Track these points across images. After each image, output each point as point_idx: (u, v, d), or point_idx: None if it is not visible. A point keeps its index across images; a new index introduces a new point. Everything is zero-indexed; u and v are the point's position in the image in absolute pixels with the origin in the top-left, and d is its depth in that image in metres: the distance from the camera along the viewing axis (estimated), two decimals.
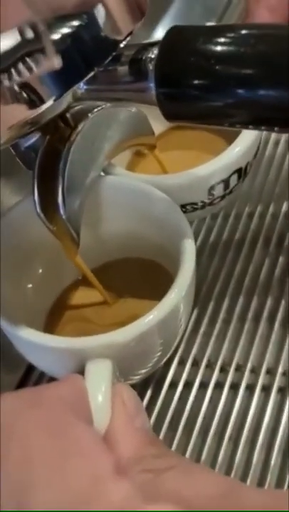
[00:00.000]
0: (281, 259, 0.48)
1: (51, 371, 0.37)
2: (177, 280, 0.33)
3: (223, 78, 0.28)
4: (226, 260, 0.49)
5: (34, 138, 0.35)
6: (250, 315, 0.46)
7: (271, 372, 0.43)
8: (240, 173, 0.40)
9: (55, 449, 0.22)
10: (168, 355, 0.38)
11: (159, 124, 0.42)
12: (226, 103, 0.28)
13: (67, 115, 0.35)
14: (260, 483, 0.38)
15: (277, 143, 0.56)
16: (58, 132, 0.35)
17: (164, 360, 0.38)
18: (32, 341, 0.32)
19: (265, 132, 0.56)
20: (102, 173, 0.39)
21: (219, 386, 0.43)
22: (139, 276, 0.41)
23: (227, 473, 0.39)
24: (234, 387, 0.43)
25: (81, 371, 0.30)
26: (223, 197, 0.41)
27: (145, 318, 0.31)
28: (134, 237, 0.40)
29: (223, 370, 0.43)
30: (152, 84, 0.29)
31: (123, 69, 0.30)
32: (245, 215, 0.51)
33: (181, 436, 0.41)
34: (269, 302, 0.46)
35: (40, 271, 0.40)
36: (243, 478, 0.39)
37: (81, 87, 0.31)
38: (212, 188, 0.39)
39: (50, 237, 0.34)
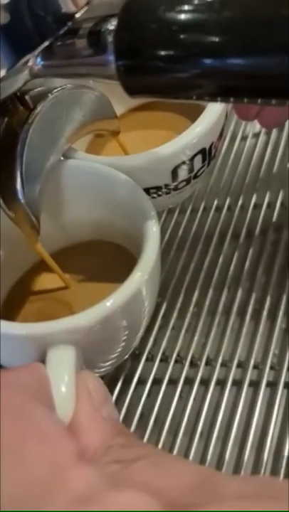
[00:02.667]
0: (251, 251, 0.47)
1: (9, 362, 0.33)
2: (140, 262, 0.31)
3: (187, 47, 0.26)
4: (194, 254, 0.48)
5: None
6: (220, 308, 0.44)
7: (243, 366, 0.41)
8: (205, 154, 0.38)
9: (14, 434, 0.21)
10: (133, 345, 0.37)
11: (119, 106, 0.41)
12: (191, 73, 0.27)
13: (26, 97, 0.33)
14: None
15: (245, 137, 0.56)
16: (16, 114, 0.33)
17: (130, 351, 0.37)
18: None
19: (232, 126, 0.55)
20: (62, 157, 0.37)
21: (189, 382, 0.41)
22: (102, 259, 0.39)
23: None
24: (204, 383, 0.41)
25: (43, 360, 0.28)
26: (188, 181, 0.39)
27: (108, 300, 0.30)
28: (97, 221, 0.38)
29: (193, 365, 0.42)
30: (112, 57, 0.28)
31: (81, 42, 0.29)
32: (213, 209, 0.50)
33: (150, 434, 0.39)
34: (239, 295, 0.45)
35: None
36: None
37: (38, 62, 0.30)
38: (176, 169, 0.37)
39: (7, 221, 0.32)
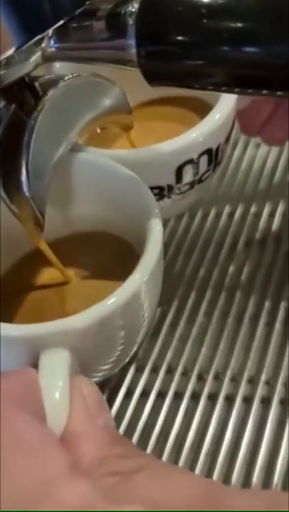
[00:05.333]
0: (264, 259, 0.45)
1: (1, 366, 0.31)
2: (141, 263, 0.29)
3: (215, 32, 0.24)
4: (203, 261, 0.46)
5: None
6: (230, 319, 0.42)
7: (253, 381, 0.39)
8: (211, 156, 0.36)
9: None
10: (132, 351, 0.34)
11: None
12: (217, 61, 0.24)
13: (36, 84, 0.31)
14: None
15: (258, 145, 0.54)
16: (24, 101, 0.31)
17: (128, 357, 0.34)
18: None
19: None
20: None
21: (195, 396, 0.39)
22: (104, 253, 0.37)
23: None
24: (212, 398, 0.39)
25: (36, 364, 0.26)
26: (192, 185, 0.36)
27: (106, 301, 0.27)
28: (100, 214, 0.36)
29: (200, 378, 0.40)
30: (132, 42, 0.26)
31: (99, 24, 0.27)
32: (224, 215, 0.49)
33: (153, 451, 0.37)
34: (250, 305, 0.42)
35: None
36: None
37: (51, 44, 0.28)
38: (180, 169, 0.35)
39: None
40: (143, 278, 0.28)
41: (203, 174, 0.37)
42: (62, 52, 0.28)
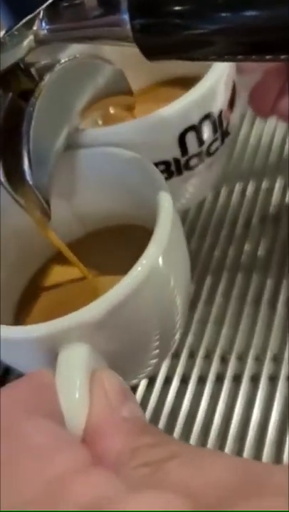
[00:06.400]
0: (281, 236, 0.44)
1: (25, 368, 0.30)
2: (153, 239, 0.27)
3: (208, 0, 0.23)
4: (218, 240, 0.45)
5: None
6: (249, 298, 0.41)
7: (277, 359, 0.38)
8: (214, 122, 0.34)
9: (3, 457, 0.18)
10: (172, 341, 0.32)
11: (140, 79, 0.39)
12: (215, 29, 0.23)
13: (32, 70, 0.30)
14: None
15: (253, 120, 0.52)
16: (21, 89, 0.30)
17: (169, 352, 0.33)
18: None
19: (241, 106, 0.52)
20: None
21: (219, 379, 0.38)
22: (120, 244, 0.35)
23: None
24: (236, 379, 0.38)
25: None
26: (200, 156, 0.35)
27: (118, 286, 0.25)
28: (109, 204, 0.35)
29: (223, 360, 0.39)
30: (126, 16, 0.25)
31: (90, 1, 0.26)
32: (235, 192, 0.48)
33: (180, 436, 0.36)
34: (269, 283, 0.42)
35: (9, 257, 0.35)
36: None
37: (43, 26, 0.27)
38: (183, 137, 0.33)
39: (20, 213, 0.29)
40: (158, 254, 0.26)
41: (211, 145, 0.35)
42: (55, 34, 0.27)
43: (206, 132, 0.34)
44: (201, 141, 0.34)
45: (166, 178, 0.34)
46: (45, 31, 0.27)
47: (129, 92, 0.35)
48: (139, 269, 0.26)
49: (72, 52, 0.31)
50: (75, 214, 0.36)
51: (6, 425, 0.19)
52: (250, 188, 0.48)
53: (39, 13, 0.27)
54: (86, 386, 0.23)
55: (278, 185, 0.47)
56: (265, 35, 0.23)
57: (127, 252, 0.32)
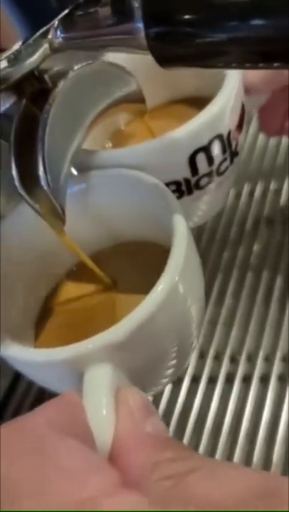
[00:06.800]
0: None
1: (51, 387, 0.31)
2: (169, 264, 0.28)
3: (222, 9, 0.23)
4: (227, 242, 0.45)
5: (9, 103, 0.31)
6: (258, 299, 0.42)
7: (287, 360, 0.39)
8: (223, 142, 0.35)
9: (35, 476, 0.19)
10: (189, 355, 0.33)
11: (160, 95, 0.40)
12: (228, 38, 0.24)
13: (45, 77, 0.31)
14: None
15: None
16: (35, 95, 0.30)
17: (187, 362, 0.34)
18: (17, 358, 0.28)
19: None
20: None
21: (229, 379, 0.39)
22: (134, 261, 0.36)
23: None
24: (246, 379, 0.39)
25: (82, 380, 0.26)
26: (210, 176, 0.36)
27: (138, 309, 0.26)
28: (123, 222, 0.36)
29: (233, 360, 0.39)
30: (140, 25, 0.25)
31: (104, 10, 0.26)
32: (244, 194, 0.48)
33: (191, 436, 0.36)
34: (278, 284, 0.42)
35: (27, 275, 0.36)
36: None
37: (58, 35, 0.27)
38: (193, 158, 0.34)
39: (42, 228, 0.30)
40: (174, 278, 0.27)
41: (220, 164, 0.36)
42: (69, 42, 0.27)
43: (216, 153, 0.35)
44: (210, 162, 0.35)
45: (177, 198, 0.35)
46: (60, 39, 0.27)
47: (141, 99, 0.35)
48: (159, 290, 0.27)
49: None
50: (88, 231, 0.36)
51: (39, 445, 0.20)
52: (259, 190, 0.48)
53: (54, 22, 0.27)
54: (112, 404, 0.24)
55: (286, 186, 0.48)
56: (276, 43, 0.24)
57: (142, 268, 0.34)
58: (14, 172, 0.30)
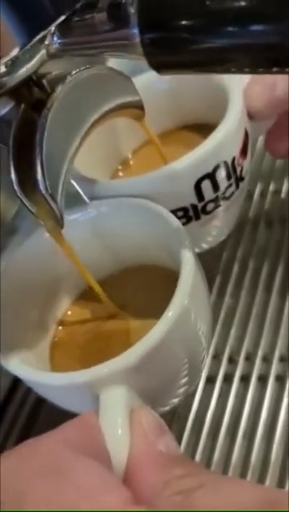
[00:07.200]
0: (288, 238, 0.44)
1: (68, 407, 0.33)
2: (178, 289, 0.29)
3: (218, 14, 0.24)
4: (226, 243, 0.45)
5: (7, 108, 0.31)
6: (257, 300, 0.42)
7: (286, 359, 0.39)
8: (228, 169, 0.36)
9: (53, 494, 0.20)
10: (200, 369, 0.35)
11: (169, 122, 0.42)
12: (224, 43, 0.24)
13: (44, 82, 0.31)
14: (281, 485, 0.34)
15: None
16: (33, 100, 0.31)
17: (197, 379, 0.36)
18: (35, 381, 0.30)
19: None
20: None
21: (228, 379, 0.39)
22: (142, 284, 0.37)
23: (242, 475, 0.35)
24: (245, 379, 0.39)
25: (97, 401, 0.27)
26: (216, 202, 0.36)
27: (150, 334, 0.28)
28: (132, 248, 0.37)
29: (232, 361, 0.40)
30: (136, 31, 0.25)
31: (101, 16, 0.26)
32: None
33: (190, 436, 0.37)
34: (277, 284, 0.42)
35: (39, 300, 0.37)
36: (260, 479, 0.35)
37: (54, 40, 0.27)
38: (199, 185, 0.35)
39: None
40: (183, 303, 0.29)
41: (226, 190, 0.37)
42: (66, 47, 0.28)
43: (221, 179, 0.36)
44: (216, 188, 0.36)
45: (186, 223, 0.36)
46: (57, 45, 0.28)
47: (139, 106, 0.36)
48: (169, 316, 0.28)
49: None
50: (98, 256, 0.37)
51: (57, 464, 0.22)
52: (258, 191, 0.48)
53: (51, 28, 0.27)
54: (127, 424, 0.26)
55: (285, 187, 0.48)
56: (271, 49, 0.24)
57: (151, 291, 0.36)
58: (13, 176, 0.30)
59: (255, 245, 0.45)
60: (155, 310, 0.29)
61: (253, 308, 0.42)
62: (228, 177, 0.36)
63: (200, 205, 0.36)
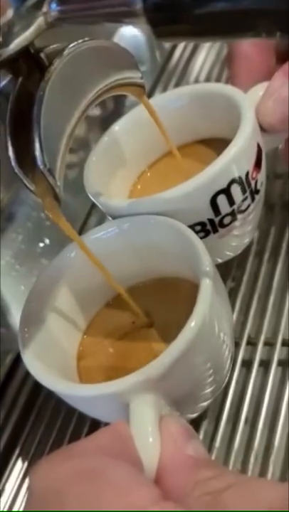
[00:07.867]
0: None
1: (99, 416, 0.35)
2: (198, 300, 0.30)
3: None
4: None
5: (4, 81, 0.30)
6: (259, 283, 0.41)
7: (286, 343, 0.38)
8: (242, 183, 0.36)
9: (91, 495, 0.22)
10: (224, 376, 0.35)
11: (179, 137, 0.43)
12: (229, 9, 0.23)
13: (42, 55, 0.30)
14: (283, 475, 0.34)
15: None
16: (31, 74, 0.30)
17: (223, 384, 0.35)
18: (66, 394, 0.32)
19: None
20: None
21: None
22: (165, 295, 0.38)
23: (244, 461, 0.35)
24: (246, 364, 0.38)
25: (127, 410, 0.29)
26: (233, 215, 0.37)
27: (175, 344, 0.29)
28: (153, 262, 0.38)
29: (235, 345, 0.39)
30: None
31: None
32: None
33: (191, 421, 0.36)
34: (279, 268, 0.42)
35: (66, 311, 0.38)
36: (263, 465, 0.34)
37: (53, 7, 0.26)
38: (214, 200, 0.35)
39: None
40: (204, 312, 0.30)
41: (242, 203, 0.37)
42: (65, 14, 0.27)
43: (235, 193, 0.36)
44: (231, 202, 0.36)
45: (204, 236, 0.37)
46: (56, 12, 0.27)
47: (139, 83, 0.35)
48: (192, 327, 0.29)
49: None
50: (121, 269, 0.38)
51: (92, 468, 0.23)
52: None
53: None
54: (157, 431, 0.27)
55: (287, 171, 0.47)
56: (274, 14, 0.23)
57: (173, 302, 0.37)
58: (11, 152, 0.30)
59: (257, 230, 0.44)
60: (178, 320, 0.31)
61: (255, 292, 0.41)
62: (243, 191, 0.37)
63: (217, 219, 0.36)
